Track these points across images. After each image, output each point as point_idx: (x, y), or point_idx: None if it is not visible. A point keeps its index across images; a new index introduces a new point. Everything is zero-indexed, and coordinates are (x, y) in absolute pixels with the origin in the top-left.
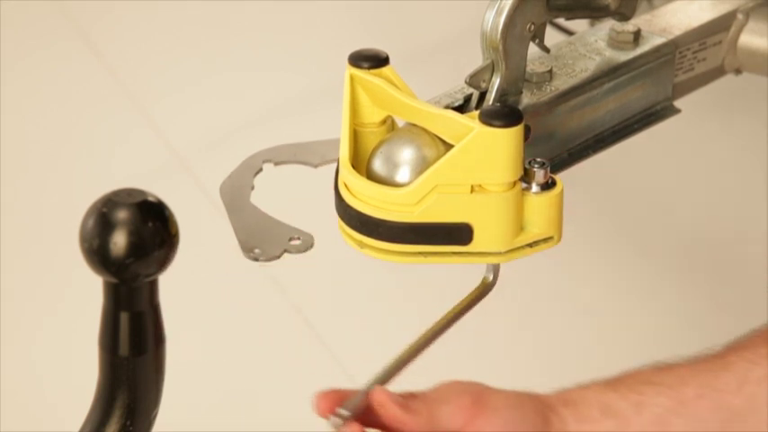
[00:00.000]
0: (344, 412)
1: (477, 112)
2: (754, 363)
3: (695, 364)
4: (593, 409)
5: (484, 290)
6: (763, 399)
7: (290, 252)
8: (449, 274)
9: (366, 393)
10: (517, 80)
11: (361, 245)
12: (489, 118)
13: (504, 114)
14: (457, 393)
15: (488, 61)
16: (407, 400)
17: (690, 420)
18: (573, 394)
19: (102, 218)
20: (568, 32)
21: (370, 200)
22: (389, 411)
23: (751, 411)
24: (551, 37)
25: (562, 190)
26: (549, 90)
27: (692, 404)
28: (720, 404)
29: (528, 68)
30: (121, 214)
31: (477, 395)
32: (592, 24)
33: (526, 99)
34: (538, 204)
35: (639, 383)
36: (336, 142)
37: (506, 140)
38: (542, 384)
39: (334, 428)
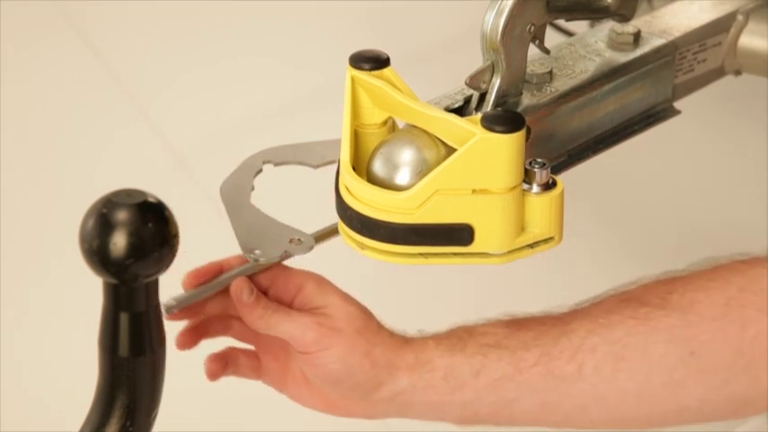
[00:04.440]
0: (173, 302)
1: (478, 116)
2: (591, 331)
3: (542, 327)
4: (437, 374)
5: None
6: (590, 367)
7: (290, 252)
8: (449, 275)
9: (208, 290)
10: (517, 81)
11: (362, 246)
12: (491, 123)
13: (507, 120)
14: (309, 323)
15: (488, 62)
16: (261, 301)
17: (521, 386)
18: (422, 357)
19: (101, 218)
20: (568, 34)
21: (371, 202)
22: (241, 297)
23: (579, 378)
24: (551, 38)
25: (563, 190)
26: (548, 91)
27: (526, 371)
28: (552, 371)
29: (528, 70)
30: (121, 215)
31: (323, 335)
32: (592, 26)
33: (526, 100)
34: (539, 205)
35: (487, 346)
36: (337, 143)
37: (508, 146)
38: None
39: (165, 312)
